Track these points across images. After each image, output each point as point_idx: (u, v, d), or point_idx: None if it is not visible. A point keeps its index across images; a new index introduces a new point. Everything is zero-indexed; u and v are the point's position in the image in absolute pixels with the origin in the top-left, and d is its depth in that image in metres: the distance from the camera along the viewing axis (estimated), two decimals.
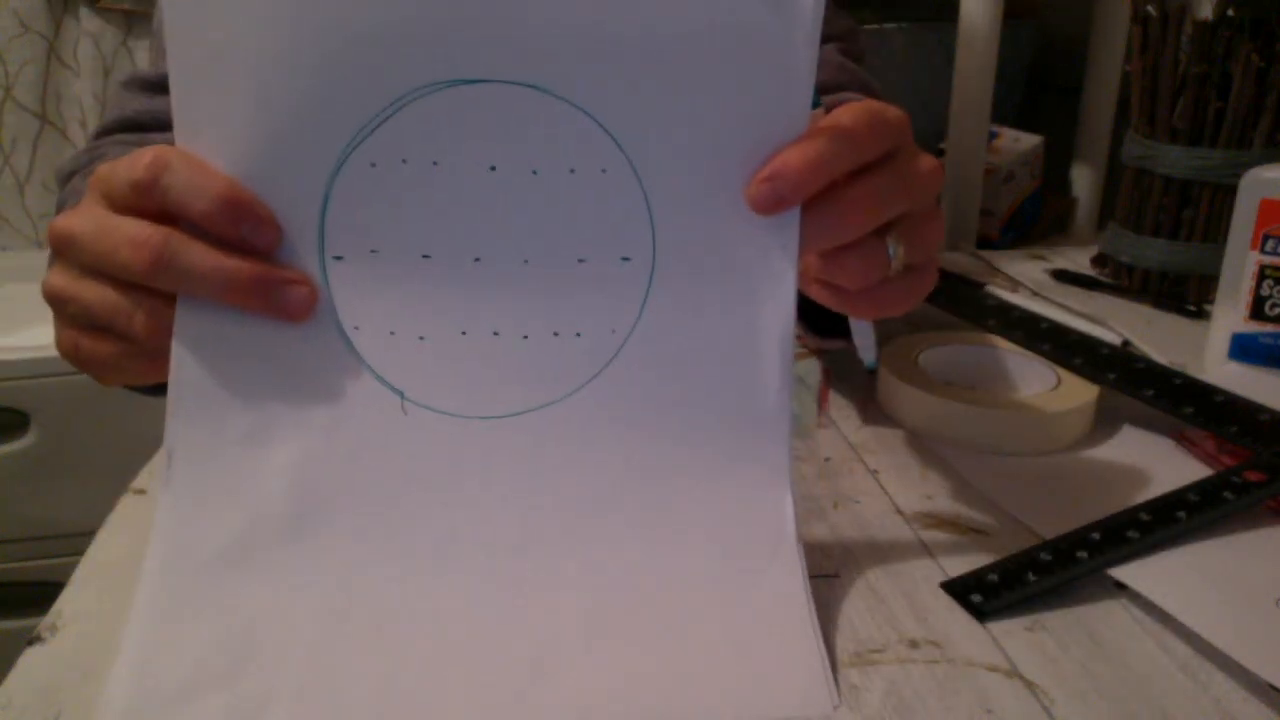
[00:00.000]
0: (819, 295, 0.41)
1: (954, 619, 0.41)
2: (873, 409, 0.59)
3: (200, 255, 0.34)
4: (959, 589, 0.42)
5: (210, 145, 0.35)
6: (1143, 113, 0.77)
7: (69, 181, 0.58)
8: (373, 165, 0.35)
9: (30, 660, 0.37)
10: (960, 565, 0.44)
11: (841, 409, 0.60)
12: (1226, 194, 0.72)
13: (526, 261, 0.37)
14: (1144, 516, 0.45)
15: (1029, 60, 1.16)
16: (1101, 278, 0.82)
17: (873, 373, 0.58)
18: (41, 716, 0.35)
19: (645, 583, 0.38)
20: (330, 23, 0.34)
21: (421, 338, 0.37)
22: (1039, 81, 1.19)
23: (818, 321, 0.57)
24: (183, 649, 0.34)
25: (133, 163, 0.34)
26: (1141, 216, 0.78)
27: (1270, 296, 0.60)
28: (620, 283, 0.38)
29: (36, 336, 1.07)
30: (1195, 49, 0.72)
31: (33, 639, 0.38)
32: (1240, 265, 0.61)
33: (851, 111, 0.37)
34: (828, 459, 0.54)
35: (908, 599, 0.42)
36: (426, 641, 0.36)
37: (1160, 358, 0.63)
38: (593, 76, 0.35)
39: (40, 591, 1.09)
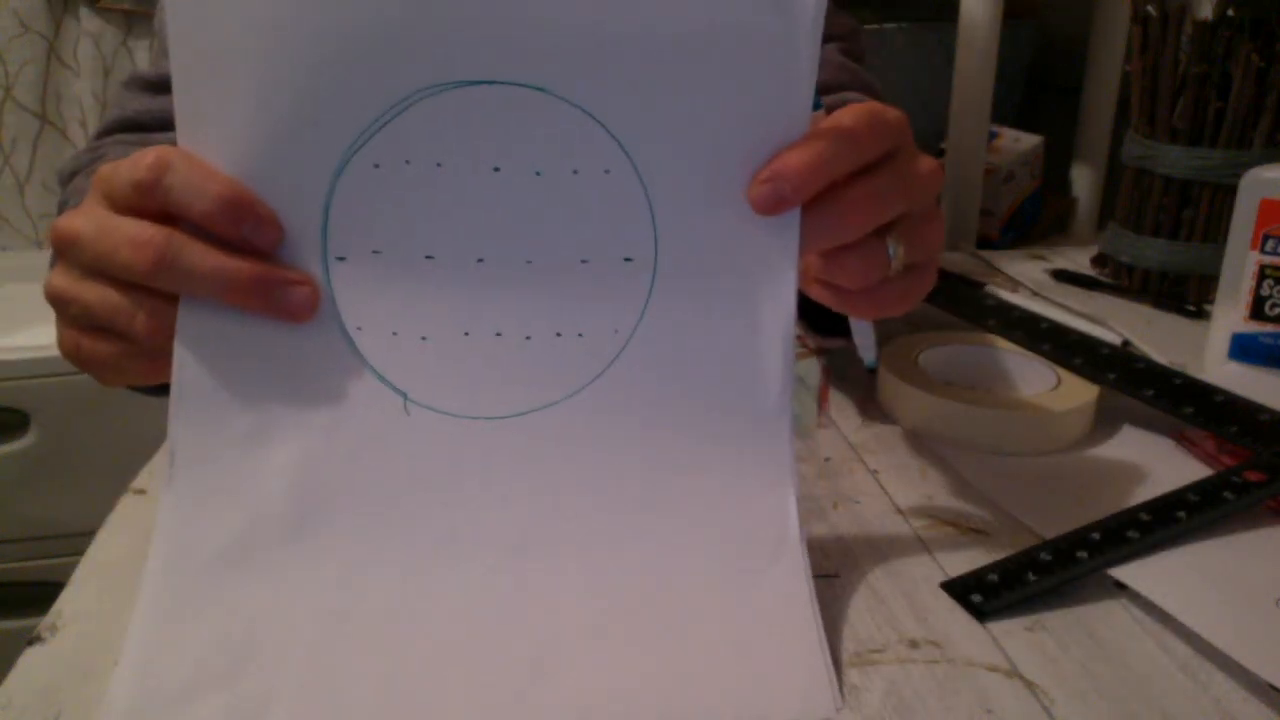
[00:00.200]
0: (819, 295, 0.41)
1: (954, 619, 0.41)
2: (873, 409, 0.59)
3: (202, 256, 0.34)
4: (959, 589, 0.42)
5: (212, 145, 0.34)
6: (1143, 113, 0.77)
7: (70, 181, 0.58)
8: (376, 166, 0.35)
9: (30, 660, 0.37)
10: (960, 565, 0.44)
11: (841, 409, 0.60)
12: (1226, 194, 0.72)
13: (529, 262, 0.37)
14: (1144, 516, 0.45)
15: (1029, 60, 1.16)
16: (1101, 278, 0.82)
17: (873, 372, 0.58)
18: (41, 716, 0.35)
19: (647, 583, 0.38)
20: (333, 24, 0.34)
21: (424, 338, 0.37)
22: (1039, 81, 1.19)
23: (818, 321, 0.57)
24: (184, 649, 0.34)
25: (135, 163, 0.34)
26: (1141, 216, 0.78)
27: (1270, 296, 0.60)
28: (622, 283, 0.38)
29: (36, 336, 1.07)
30: (1195, 49, 0.72)
31: (33, 639, 0.38)
32: (1240, 265, 0.61)
33: (852, 113, 0.37)
34: (828, 459, 0.54)
35: (908, 599, 0.42)
36: (427, 641, 0.36)
37: (1160, 358, 0.63)
38: (595, 78, 0.35)
39: (40, 591, 1.09)
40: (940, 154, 1.01)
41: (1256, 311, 0.61)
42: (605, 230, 0.37)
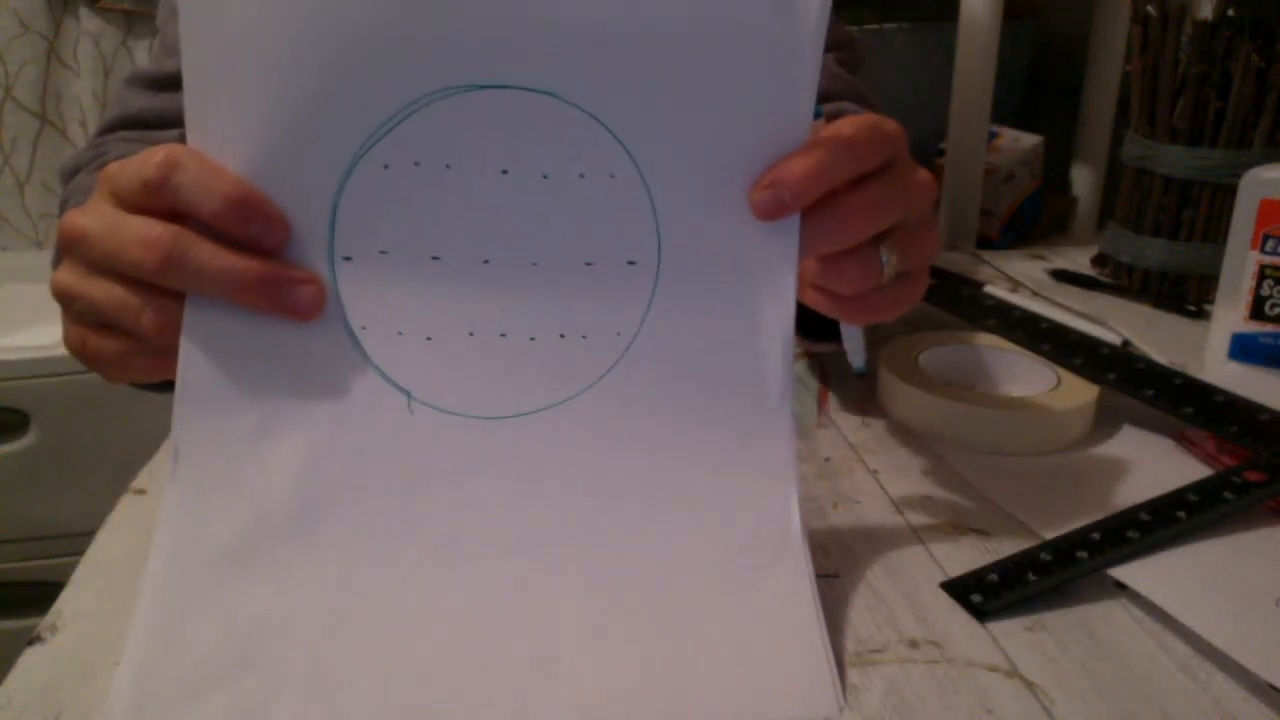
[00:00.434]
0: (813, 300, 0.42)
1: (954, 619, 0.41)
2: (873, 409, 0.59)
3: (210, 254, 0.34)
4: (959, 589, 0.42)
5: (222, 144, 0.35)
6: (1143, 113, 0.77)
7: (73, 178, 0.58)
8: (385, 167, 0.35)
9: (30, 660, 0.37)
10: (960, 565, 0.44)
11: (841, 409, 0.60)
12: (1226, 194, 0.72)
13: (535, 264, 0.37)
14: (1144, 516, 0.45)
15: (1029, 60, 1.16)
16: (1101, 278, 0.82)
17: (862, 377, 0.58)
18: (41, 716, 0.35)
19: (648, 583, 0.38)
20: (344, 26, 0.34)
21: (428, 338, 0.37)
22: (1039, 81, 1.19)
23: (809, 326, 0.57)
24: (187, 648, 0.34)
25: (143, 161, 0.34)
26: (1141, 216, 0.78)
27: (1270, 296, 0.60)
28: (626, 286, 0.38)
29: (36, 336, 1.07)
30: (1195, 49, 0.72)
31: (33, 639, 0.39)
32: (1240, 265, 0.61)
33: (852, 123, 0.38)
34: (828, 459, 0.54)
35: (908, 599, 0.42)
36: (428, 641, 0.36)
37: (1160, 358, 0.63)
38: (602, 82, 0.36)
39: (40, 591, 1.09)
40: (940, 154, 1.01)
41: (1256, 311, 0.61)
42: (610, 233, 0.37)
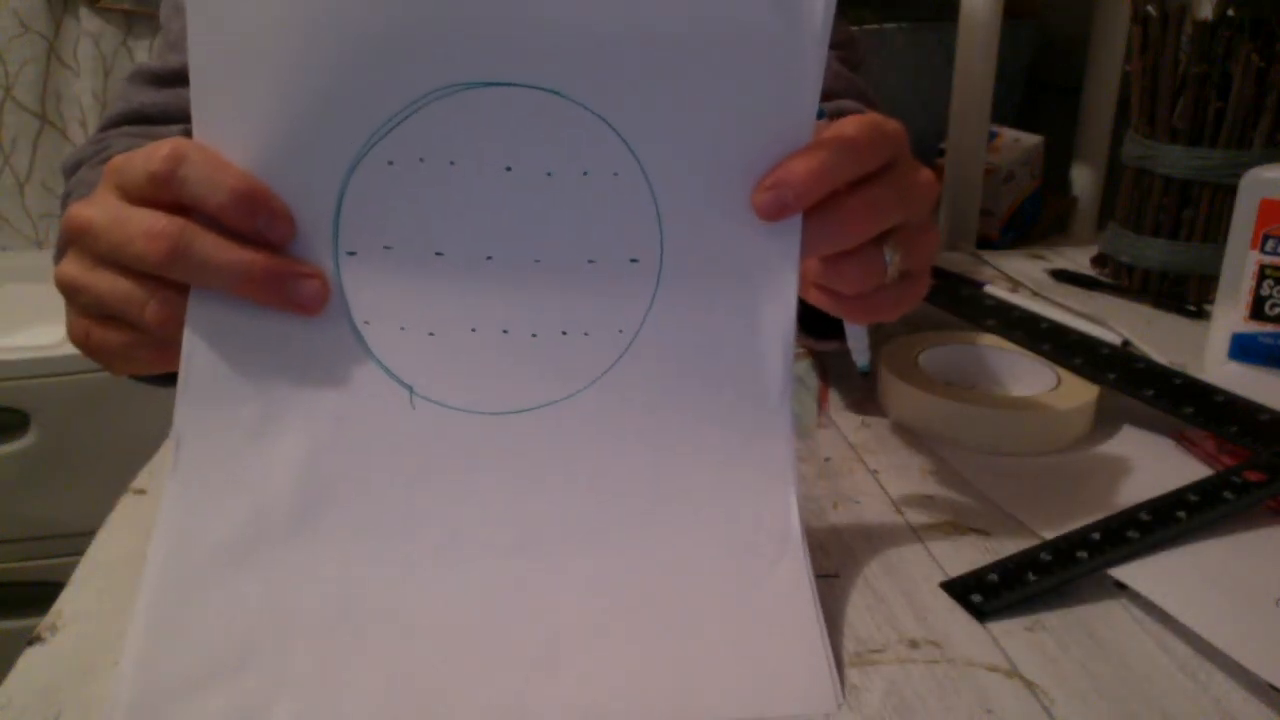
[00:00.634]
0: (816, 299, 0.42)
1: (954, 619, 0.41)
2: (873, 409, 0.59)
3: (215, 247, 0.34)
4: (959, 589, 0.42)
5: (228, 139, 0.35)
6: (1143, 113, 0.77)
7: (75, 173, 0.58)
8: (390, 163, 0.35)
9: (30, 660, 0.37)
10: (960, 565, 0.44)
11: (841, 409, 0.60)
12: (1226, 194, 0.72)
13: (538, 261, 0.37)
14: (1144, 516, 0.45)
15: (1029, 60, 1.16)
16: (1101, 278, 0.82)
17: (865, 375, 0.58)
18: (41, 716, 0.35)
19: (649, 581, 0.38)
20: (351, 22, 0.34)
21: (431, 333, 0.37)
22: (1039, 81, 1.19)
23: (812, 325, 0.57)
24: (186, 646, 0.34)
25: (150, 154, 0.34)
26: (1141, 216, 0.78)
27: (1270, 296, 0.60)
28: (628, 284, 0.38)
29: (36, 336, 1.07)
30: (1195, 49, 0.72)
31: (33, 639, 0.39)
32: (1240, 265, 0.61)
33: (854, 123, 0.38)
34: (828, 459, 0.54)
35: (908, 599, 0.42)
36: (429, 638, 0.36)
37: (1160, 358, 0.63)
38: (607, 81, 0.36)
39: (40, 591, 1.09)
40: (940, 154, 1.01)
41: (1256, 311, 0.61)
42: (612, 231, 0.37)
